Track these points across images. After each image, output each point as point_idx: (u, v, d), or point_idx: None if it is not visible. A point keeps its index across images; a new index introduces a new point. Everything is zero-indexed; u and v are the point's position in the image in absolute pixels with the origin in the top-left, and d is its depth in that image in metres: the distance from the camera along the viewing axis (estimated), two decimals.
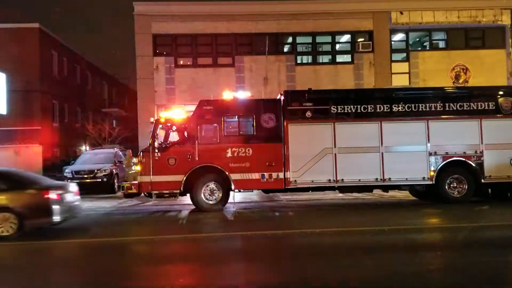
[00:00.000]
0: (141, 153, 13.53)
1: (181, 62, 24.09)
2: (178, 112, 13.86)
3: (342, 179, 13.25)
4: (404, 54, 24.76)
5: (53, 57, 28.25)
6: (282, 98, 13.70)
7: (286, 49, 24.79)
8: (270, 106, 13.75)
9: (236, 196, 14.27)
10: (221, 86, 22.05)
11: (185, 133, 13.50)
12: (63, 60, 29.58)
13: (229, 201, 13.59)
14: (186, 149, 13.15)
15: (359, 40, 24.24)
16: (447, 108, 13.50)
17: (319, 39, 24.42)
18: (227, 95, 14.42)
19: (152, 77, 23.38)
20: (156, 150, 13.05)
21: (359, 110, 13.53)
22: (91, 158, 21.05)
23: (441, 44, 25.07)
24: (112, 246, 8.96)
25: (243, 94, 14.77)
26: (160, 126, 13.57)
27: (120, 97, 40.91)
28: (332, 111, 13.50)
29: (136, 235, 10.48)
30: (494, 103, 13.53)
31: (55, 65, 28.54)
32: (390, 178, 13.26)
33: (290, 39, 24.54)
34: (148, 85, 23.35)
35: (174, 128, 13.76)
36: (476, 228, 9.84)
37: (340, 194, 14.58)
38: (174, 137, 14.15)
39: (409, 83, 23.73)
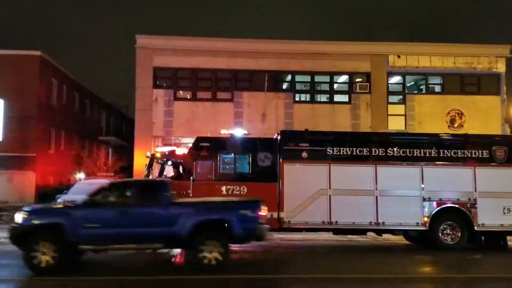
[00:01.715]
0: None
1: (181, 95, 24.33)
2: (174, 149, 13.94)
3: (336, 221, 13.21)
4: (401, 97, 25.13)
5: (52, 85, 28.48)
6: (279, 137, 13.81)
7: (285, 86, 25.14)
8: (267, 145, 13.86)
9: None
10: (219, 120, 22.34)
11: (180, 169, 13.53)
12: (62, 88, 29.83)
13: None
14: (181, 185, 13.09)
15: (357, 81, 24.67)
16: (441, 155, 13.64)
17: (317, 78, 24.81)
18: (224, 132, 14.53)
19: (150, 108, 23.55)
20: None
21: (354, 153, 13.64)
22: (84, 188, 20.78)
23: (437, 88, 25.48)
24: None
25: (240, 132, 14.84)
26: (155, 160, 13.61)
27: (117, 125, 41.06)
28: (328, 153, 13.60)
29: (121, 274, 10.25)
30: (488, 151, 13.68)
31: (54, 93, 28.75)
32: (384, 222, 13.25)
33: (289, 77, 24.93)
34: (146, 116, 23.49)
35: (170, 163, 13.81)
36: (467, 279, 9.73)
37: (334, 235, 14.46)
38: (169, 172, 14.17)
39: (405, 125, 23.97)
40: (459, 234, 13.26)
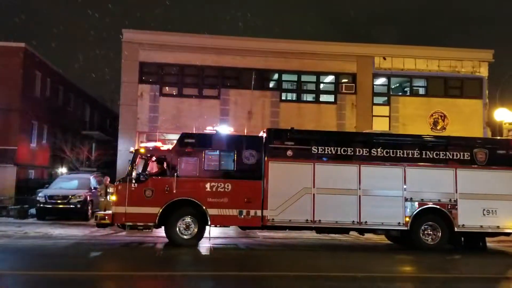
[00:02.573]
0: (118, 182, 13.34)
1: (167, 91, 24.17)
2: (159, 145, 13.84)
3: (320, 220, 13.25)
4: (385, 98, 25.36)
5: (36, 77, 28.00)
6: (265, 135, 13.79)
7: (271, 85, 25.15)
8: (252, 142, 13.81)
9: (212, 230, 14.09)
10: (205, 117, 22.26)
11: (165, 165, 13.42)
12: (46, 80, 29.36)
13: (204, 235, 13.40)
14: (164, 181, 13.03)
15: (343, 81, 24.82)
16: (424, 156, 13.79)
17: (304, 77, 24.89)
18: (210, 129, 14.46)
19: (135, 104, 23.35)
20: (133, 181, 12.87)
21: (339, 152, 13.69)
22: (66, 182, 20.67)
23: (421, 91, 25.78)
24: (77, 280, 8.68)
25: (226, 129, 14.79)
26: (139, 156, 13.47)
27: (101, 120, 40.58)
28: (313, 152, 13.62)
29: (105, 270, 10.18)
30: (469, 153, 13.87)
31: (38, 86, 28.28)
32: (366, 222, 13.34)
33: (276, 76, 24.95)
34: (131, 111, 23.28)
35: (154, 159, 13.70)
36: (447, 279, 9.89)
37: (317, 234, 14.54)
38: (153, 168, 14.06)
39: (389, 127, 24.22)
40: (440, 235, 13.44)
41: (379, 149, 13.74)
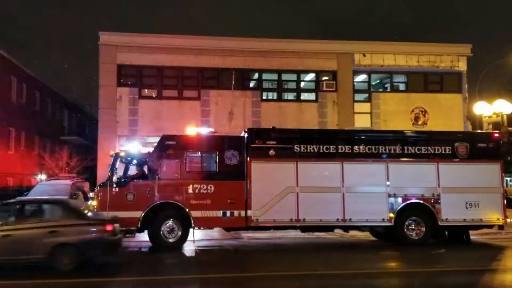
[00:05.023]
0: (98, 187, 13.07)
1: (146, 94, 23.83)
2: (139, 147, 13.61)
3: (304, 219, 13.19)
4: (366, 95, 25.45)
5: (12, 83, 27.38)
6: (246, 135, 13.67)
7: (252, 84, 25.02)
8: (234, 143, 13.69)
9: (196, 233, 13.90)
10: (186, 119, 21.97)
11: (146, 168, 13.21)
12: (22, 86, 28.72)
13: (189, 237, 13.20)
14: (146, 184, 12.83)
15: (323, 79, 24.82)
16: (406, 151, 13.84)
17: (284, 76, 24.81)
18: (191, 130, 14.27)
19: (114, 107, 22.96)
20: (114, 185, 12.66)
21: (321, 150, 13.66)
22: (46, 189, 20.06)
23: (402, 87, 25.97)
24: None
25: (207, 130, 14.61)
26: (120, 159, 13.23)
27: (80, 125, 39.94)
28: (295, 150, 13.57)
29: (88, 276, 9.90)
30: (450, 148, 13.96)
31: (14, 91, 27.65)
32: (351, 219, 13.33)
33: (256, 75, 24.82)
34: (110, 115, 22.89)
35: (134, 162, 13.47)
36: (432, 273, 9.88)
37: (302, 233, 14.47)
38: (134, 171, 13.81)
39: (371, 123, 24.31)
40: (424, 229, 13.49)
41: (361, 146, 13.74)
